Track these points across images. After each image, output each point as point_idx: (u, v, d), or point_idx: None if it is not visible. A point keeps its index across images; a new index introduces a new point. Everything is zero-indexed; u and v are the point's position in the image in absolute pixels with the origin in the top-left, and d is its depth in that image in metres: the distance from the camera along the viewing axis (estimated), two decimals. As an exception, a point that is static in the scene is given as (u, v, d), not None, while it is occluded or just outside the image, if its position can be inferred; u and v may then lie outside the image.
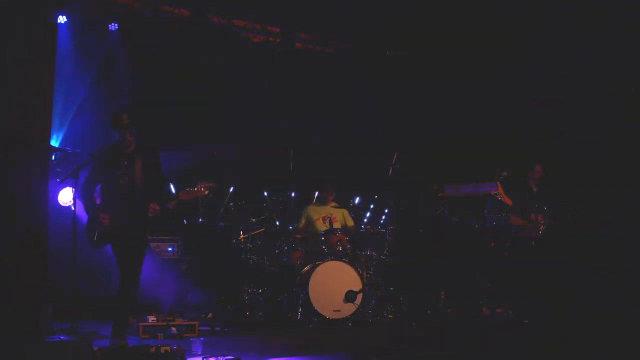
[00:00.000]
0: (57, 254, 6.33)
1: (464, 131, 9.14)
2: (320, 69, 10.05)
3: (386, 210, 8.76)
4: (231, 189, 8.20)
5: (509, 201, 7.49)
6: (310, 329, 6.96)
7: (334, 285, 7.35)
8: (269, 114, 9.68)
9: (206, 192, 5.96)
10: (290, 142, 8.19)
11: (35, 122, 5.43)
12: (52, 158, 7.66)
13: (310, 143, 9.90)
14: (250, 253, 7.84)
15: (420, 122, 9.59)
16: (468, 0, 8.58)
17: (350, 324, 7.26)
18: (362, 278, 7.47)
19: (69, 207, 7.11)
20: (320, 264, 7.48)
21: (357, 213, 8.53)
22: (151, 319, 6.35)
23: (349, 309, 7.34)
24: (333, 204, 8.54)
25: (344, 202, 8.51)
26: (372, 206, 9.18)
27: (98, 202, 5.88)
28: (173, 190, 6.95)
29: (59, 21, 8.07)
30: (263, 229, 8.07)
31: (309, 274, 7.42)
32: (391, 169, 8.07)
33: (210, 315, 7.22)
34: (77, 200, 5.87)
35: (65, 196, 7.43)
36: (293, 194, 8.11)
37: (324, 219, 8.39)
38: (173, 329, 6.26)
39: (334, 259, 7.56)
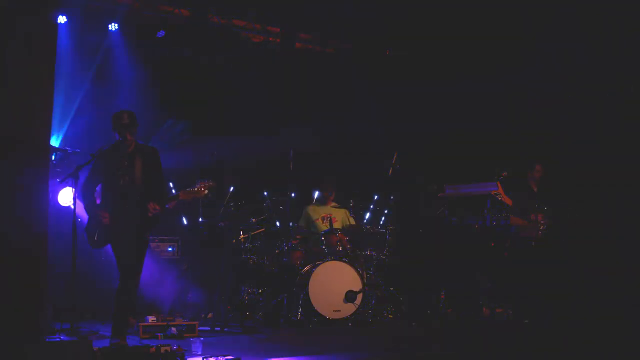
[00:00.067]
0: (57, 253, 6.33)
1: (464, 131, 9.13)
2: (320, 68, 10.05)
3: (386, 210, 8.75)
4: (231, 189, 8.20)
5: (509, 201, 7.49)
6: (310, 329, 6.96)
7: (334, 285, 7.36)
8: (269, 114, 9.68)
9: (206, 192, 5.96)
10: (290, 142, 8.16)
11: (35, 122, 5.43)
12: (52, 158, 7.66)
13: (310, 143, 9.90)
14: (250, 253, 7.84)
15: (420, 122, 9.59)
16: (468, 0, 8.59)
17: (350, 324, 7.27)
18: (362, 278, 7.47)
19: (69, 207, 7.11)
20: (320, 264, 7.48)
21: (357, 213, 8.53)
22: (151, 319, 6.35)
23: (349, 309, 7.34)
24: (333, 204, 8.54)
25: (344, 202, 8.51)
26: (372, 206, 9.18)
27: (98, 202, 5.88)
28: (173, 191, 6.95)
29: (59, 21, 8.06)
30: (263, 229, 8.07)
31: (309, 274, 7.43)
32: (391, 169, 8.06)
33: (210, 315, 7.22)
34: (77, 200, 5.87)
35: (65, 196, 7.43)
36: (293, 194, 8.10)
37: (323, 219, 8.40)
38: (173, 329, 6.26)
39: (334, 259, 7.56)
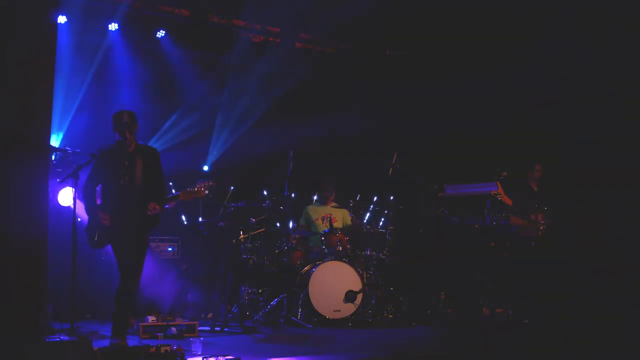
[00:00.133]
0: (57, 253, 6.33)
1: (464, 131, 9.13)
2: (320, 68, 10.05)
3: (386, 210, 8.76)
4: (231, 189, 8.21)
5: (509, 201, 7.49)
6: (310, 329, 6.96)
7: (334, 285, 7.36)
8: (269, 114, 9.69)
9: (206, 192, 5.96)
10: (290, 142, 8.16)
11: (35, 122, 5.42)
12: (52, 158, 7.66)
13: (310, 143, 9.90)
14: (250, 253, 7.84)
15: (420, 122, 9.59)
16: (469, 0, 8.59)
17: (350, 324, 7.26)
18: (362, 278, 7.47)
19: (69, 207, 7.11)
20: (320, 264, 7.48)
21: (357, 213, 8.53)
22: (151, 319, 6.35)
23: (349, 309, 7.34)
24: (333, 204, 8.55)
25: (344, 202, 8.51)
26: (372, 206, 9.19)
27: (99, 202, 5.89)
28: (173, 190, 6.95)
29: (59, 21, 8.06)
30: (263, 229, 8.07)
31: (309, 274, 7.43)
32: (391, 169, 8.06)
33: (210, 315, 7.22)
34: (77, 200, 5.87)
35: (65, 196, 7.43)
36: (293, 194, 8.11)
37: (323, 219, 8.40)
38: (173, 329, 6.26)
39: (334, 259, 7.56)
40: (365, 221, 8.71)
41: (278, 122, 9.53)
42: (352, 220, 8.39)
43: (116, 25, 8.74)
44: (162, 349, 5.07)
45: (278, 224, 8.46)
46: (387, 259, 8.11)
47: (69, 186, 6.80)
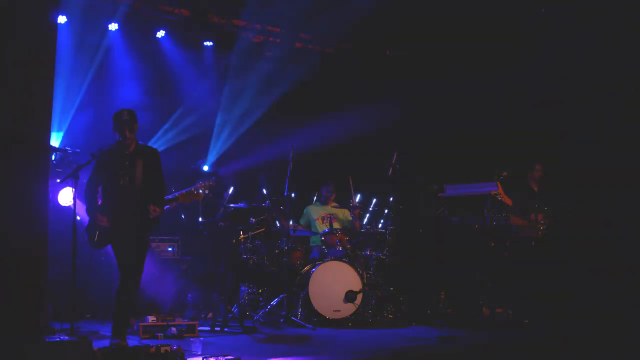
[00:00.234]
0: (57, 253, 6.33)
1: (464, 131, 9.13)
2: (320, 68, 10.05)
3: (386, 210, 8.76)
4: (231, 189, 8.21)
5: (509, 201, 7.49)
6: (310, 329, 6.96)
7: (334, 285, 7.36)
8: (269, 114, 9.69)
9: (206, 192, 5.96)
10: (291, 141, 8.16)
11: (35, 122, 5.42)
12: (52, 158, 7.66)
13: (310, 143, 9.90)
14: (250, 253, 7.84)
15: (420, 122, 9.59)
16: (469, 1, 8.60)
17: (350, 324, 7.26)
18: (362, 278, 7.47)
19: (69, 207, 7.11)
20: (320, 264, 7.49)
21: (357, 213, 8.53)
22: (151, 319, 6.35)
23: (349, 309, 7.34)
24: (334, 203, 8.56)
25: (344, 202, 8.52)
26: (372, 206, 9.19)
27: (99, 202, 5.88)
28: (173, 190, 6.95)
29: (58, 21, 8.06)
30: (263, 229, 8.07)
31: (309, 274, 7.43)
32: (391, 169, 8.06)
33: (210, 315, 7.22)
34: (78, 200, 5.87)
35: (65, 196, 7.43)
36: (293, 194, 8.11)
37: (323, 219, 8.41)
38: (173, 329, 6.26)
39: (334, 259, 7.56)
40: (365, 221, 8.72)
41: (278, 122, 9.54)
42: (352, 220, 8.40)
43: (116, 25, 8.74)
44: (162, 349, 5.07)
45: (278, 223, 8.46)
46: (387, 259, 8.11)
47: (69, 186, 6.80)
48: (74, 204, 5.80)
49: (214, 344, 6.05)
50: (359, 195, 8.45)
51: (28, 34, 5.33)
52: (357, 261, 7.78)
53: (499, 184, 7.46)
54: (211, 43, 9.42)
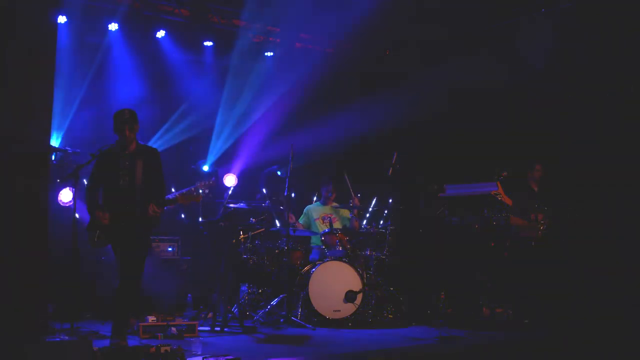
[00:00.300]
0: (57, 253, 6.33)
1: (464, 131, 9.13)
2: (320, 68, 10.05)
3: (386, 211, 8.75)
4: (231, 189, 8.20)
5: (509, 201, 7.48)
6: (310, 329, 6.96)
7: (334, 285, 7.36)
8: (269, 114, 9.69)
9: (206, 192, 5.96)
10: (291, 141, 8.16)
11: (35, 122, 5.43)
12: (52, 158, 7.66)
13: (310, 142, 9.91)
14: (250, 253, 7.84)
15: (420, 122, 9.59)
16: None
17: (350, 324, 7.26)
18: (362, 278, 7.47)
19: (69, 207, 7.11)
20: (320, 264, 7.49)
21: (357, 213, 8.54)
22: (151, 319, 6.35)
23: (349, 309, 7.34)
24: (334, 203, 8.56)
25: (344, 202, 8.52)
26: (372, 206, 9.19)
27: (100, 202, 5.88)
28: (173, 190, 6.95)
29: (59, 21, 8.06)
30: (263, 229, 8.07)
31: (309, 274, 7.43)
32: (391, 169, 8.06)
33: (210, 315, 7.22)
34: (79, 200, 5.87)
35: (66, 196, 7.43)
36: (293, 194, 8.11)
37: (323, 219, 8.41)
38: (173, 329, 6.26)
39: (334, 259, 7.57)
40: (365, 221, 8.71)
41: (278, 122, 9.54)
42: (351, 219, 8.41)
43: (116, 25, 8.74)
44: (162, 349, 5.07)
45: (277, 222, 8.46)
46: (387, 259, 8.10)
47: (69, 186, 6.81)
48: (74, 204, 5.80)
49: (214, 344, 6.05)
50: (358, 195, 8.43)
51: (28, 34, 5.34)
52: (357, 261, 7.78)
53: (499, 184, 7.45)
54: (211, 43, 9.42)
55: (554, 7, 8.42)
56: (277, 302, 7.49)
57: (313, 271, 7.41)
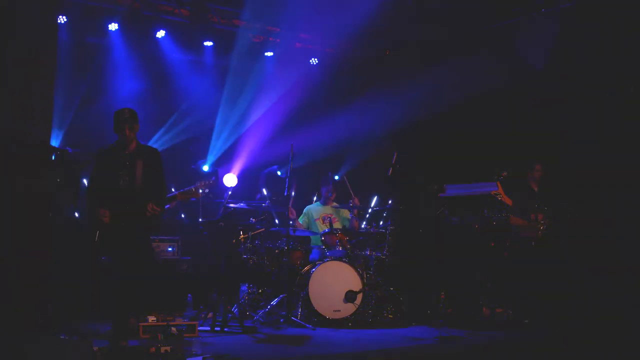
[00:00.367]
0: (57, 253, 6.33)
1: (464, 131, 9.13)
2: (320, 68, 10.06)
3: (386, 212, 8.75)
4: (231, 189, 8.21)
5: (509, 201, 7.48)
6: (310, 329, 6.96)
7: (334, 285, 7.36)
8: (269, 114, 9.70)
9: (206, 191, 5.97)
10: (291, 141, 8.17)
11: (35, 122, 5.43)
12: (52, 158, 7.65)
13: (311, 142, 9.92)
14: (250, 253, 7.84)
15: (420, 122, 9.59)
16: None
17: (350, 324, 7.26)
18: (362, 278, 7.47)
19: (70, 207, 7.11)
20: (320, 264, 7.49)
21: (357, 213, 8.54)
22: (151, 319, 6.34)
23: (349, 309, 7.34)
24: (334, 204, 8.56)
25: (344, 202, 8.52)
26: (372, 206, 9.19)
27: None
28: (173, 189, 6.95)
29: (59, 21, 8.06)
30: (263, 229, 8.07)
31: (309, 274, 7.43)
32: (391, 169, 8.06)
33: (210, 315, 7.22)
34: (79, 200, 5.87)
35: (66, 196, 7.42)
36: (293, 194, 8.12)
37: (324, 219, 8.41)
38: (173, 329, 6.26)
39: (334, 259, 7.57)
40: (365, 221, 8.72)
41: (278, 122, 9.54)
42: (351, 220, 8.41)
43: (116, 25, 8.73)
44: (162, 349, 5.07)
45: (277, 221, 8.46)
46: (387, 259, 8.10)
47: (70, 186, 6.80)
48: (75, 204, 5.80)
49: (214, 344, 6.05)
50: (358, 195, 8.44)
51: (28, 34, 5.33)
52: (357, 261, 7.78)
53: (499, 184, 7.45)
54: (211, 43, 9.42)
55: (554, 7, 8.42)
56: (277, 302, 7.49)
57: (313, 271, 7.41)
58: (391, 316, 7.75)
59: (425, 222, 8.60)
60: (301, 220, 8.58)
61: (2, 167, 5.16)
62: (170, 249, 8.14)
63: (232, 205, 7.85)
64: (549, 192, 7.86)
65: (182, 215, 8.82)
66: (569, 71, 8.43)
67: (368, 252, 7.99)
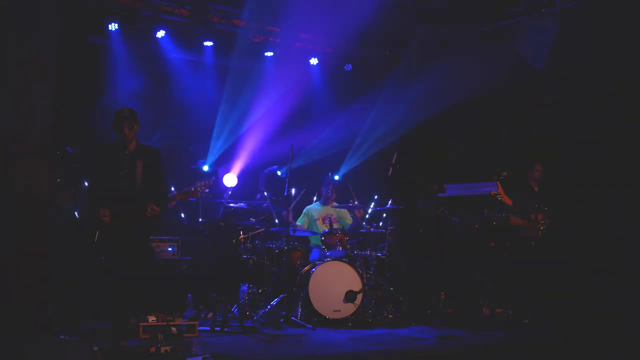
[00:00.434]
0: (57, 253, 6.33)
1: (463, 131, 9.13)
2: (320, 68, 10.05)
3: (385, 212, 8.75)
4: (231, 189, 8.20)
5: (509, 201, 7.48)
6: (310, 329, 6.96)
7: (334, 285, 7.36)
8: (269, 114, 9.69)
9: (206, 191, 5.97)
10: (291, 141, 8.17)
11: (35, 122, 5.43)
12: (52, 158, 7.65)
13: (311, 142, 9.92)
14: (250, 253, 7.84)
15: (420, 122, 9.59)
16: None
17: (350, 324, 7.26)
18: (362, 278, 7.47)
19: (70, 207, 7.10)
20: (320, 264, 7.49)
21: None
22: (151, 319, 6.34)
23: (349, 309, 7.34)
24: (334, 204, 8.56)
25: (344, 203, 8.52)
26: (372, 206, 9.18)
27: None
28: (172, 188, 6.94)
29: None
30: (263, 229, 8.07)
31: (309, 274, 7.43)
32: (391, 169, 8.06)
33: (210, 315, 7.22)
34: (79, 200, 5.87)
35: (67, 196, 7.43)
36: (293, 193, 8.11)
37: (324, 219, 8.41)
38: (173, 329, 6.26)
39: (334, 259, 7.57)
40: (364, 221, 8.71)
41: (278, 122, 9.54)
42: (351, 224, 8.41)
43: (116, 25, 8.73)
44: (162, 349, 5.07)
45: (277, 221, 8.46)
46: (387, 259, 8.10)
47: (70, 186, 6.81)
48: (75, 204, 5.81)
49: (214, 344, 6.05)
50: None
51: (28, 34, 5.34)
52: (357, 261, 7.78)
53: (499, 184, 7.45)
54: (211, 43, 9.42)
55: (554, 7, 8.42)
56: (277, 302, 7.49)
57: (313, 271, 7.40)
58: (391, 316, 7.75)
59: (425, 222, 8.60)
60: (301, 220, 8.58)
61: (2, 167, 5.16)
62: (170, 249, 8.13)
63: (232, 205, 7.85)
64: (549, 192, 7.86)
65: (182, 215, 8.81)
66: (569, 71, 8.42)
67: (368, 252, 7.99)
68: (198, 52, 9.45)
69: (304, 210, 8.69)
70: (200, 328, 6.64)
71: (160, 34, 9.09)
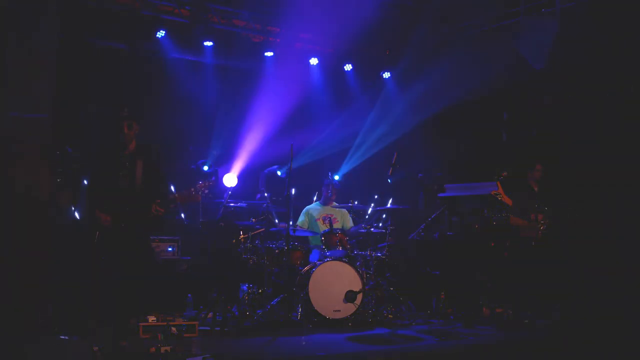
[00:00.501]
0: (57, 253, 6.33)
1: (464, 131, 9.13)
2: (320, 69, 10.05)
3: (385, 213, 8.75)
4: (231, 189, 8.20)
5: (509, 201, 7.48)
6: (310, 329, 6.96)
7: (334, 285, 7.35)
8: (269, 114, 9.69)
9: (206, 192, 5.96)
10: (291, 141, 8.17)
11: (35, 122, 5.44)
12: (52, 158, 7.65)
13: (311, 142, 9.92)
14: (250, 253, 7.84)
15: (421, 122, 9.59)
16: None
17: (350, 324, 7.26)
18: (362, 278, 7.47)
19: (70, 207, 7.10)
20: (320, 264, 7.48)
21: (357, 214, 8.54)
22: (151, 319, 6.34)
23: (349, 309, 7.34)
24: (334, 204, 8.56)
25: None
26: (372, 206, 9.18)
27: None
28: (172, 188, 6.94)
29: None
30: (263, 229, 8.07)
31: (309, 274, 7.43)
32: (391, 169, 8.06)
33: (210, 315, 7.22)
34: (80, 200, 5.87)
35: (67, 196, 7.43)
36: (293, 193, 8.11)
37: (324, 219, 8.41)
38: (173, 329, 6.26)
39: (334, 259, 7.57)
40: (364, 221, 8.71)
41: (278, 122, 9.54)
42: (352, 227, 8.42)
43: (116, 25, 8.72)
44: (162, 349, 5.07)
45: (277, 220, 8.47)
46: (387, 259, 8.10)
47: (70, 186, 6.80)
48: (75, 204, 5.80)
49: (214, 344, 6.05)
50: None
51: (28, 34, 5.34)
52: (357, 261, 7.78)
53: (499, 184, 7.45)
54: (211, 43, 9.42)
55: (554, 7, 8.42)
56: (277, 302, 7.49)
57: (313, 271, 7.40)
58: (391, 316, 7.75)
59: (426, 222, 8.61)
60: (301, 220, 8.58)
61: (2, 167, 5.17)
62: (170, 249, 8.13)
63: (232, 205, 7.85)
64: (549, 192, 7.86)
65: (182, 215, 8.81)
66: (569, 71, 8.43)
67: (368, 252, 7.99)
68: (198, 52, 9.44)
69: (303, 210, 8.69)
70: (200, 328, 6.64)
71: (160, 34, 9.09)
